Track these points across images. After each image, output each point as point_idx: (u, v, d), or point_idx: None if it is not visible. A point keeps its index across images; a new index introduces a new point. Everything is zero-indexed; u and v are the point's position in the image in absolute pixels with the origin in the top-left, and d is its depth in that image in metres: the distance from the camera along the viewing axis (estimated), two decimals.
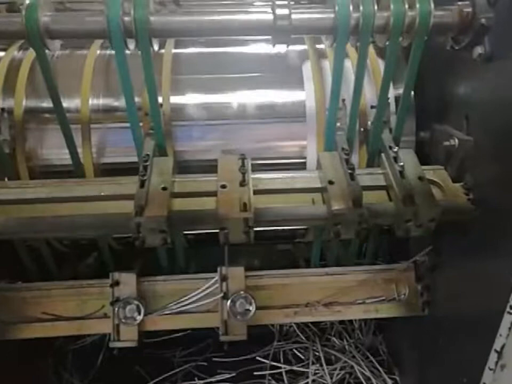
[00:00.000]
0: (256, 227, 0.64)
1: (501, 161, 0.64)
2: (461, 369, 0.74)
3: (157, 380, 1.04)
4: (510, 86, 0.59)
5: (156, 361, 1.10)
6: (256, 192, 0.67)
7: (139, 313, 0.80)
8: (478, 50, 0.62)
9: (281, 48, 0.77)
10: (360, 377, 1.03)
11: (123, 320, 0.80)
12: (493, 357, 0.64)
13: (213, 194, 0.67)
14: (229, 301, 0.81)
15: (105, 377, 1.05)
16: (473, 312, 0.72)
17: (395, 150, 0.69)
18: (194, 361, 1.10)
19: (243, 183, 0.66)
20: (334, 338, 1.14)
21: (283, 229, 0.95)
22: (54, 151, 0.82)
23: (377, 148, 0.74)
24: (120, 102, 0.80)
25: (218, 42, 0.89)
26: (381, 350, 1.12)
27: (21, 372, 0.95)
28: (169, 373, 1.06)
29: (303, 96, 0.83)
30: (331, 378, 1.03)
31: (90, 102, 0.82)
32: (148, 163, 0.67)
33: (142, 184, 0.64)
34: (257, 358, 1.10)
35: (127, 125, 0.76)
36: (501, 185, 0.63)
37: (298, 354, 1.11)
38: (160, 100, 0.77)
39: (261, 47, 0.88)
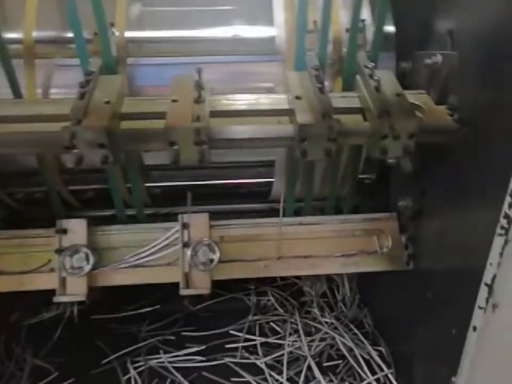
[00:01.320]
0: (211, 146, 0.56)
1: (487, 75, 0.57)
2: (450, 320, 0.65)
3: (118, 354, 0.94)
4: None
5: (119, 336, 1.00)
6: (214, 113, 0.59)
7: (88, 263, 0.71)
8: None
9: None
10: (342, 349, 0.94)
11: (69, 271, 0.71)
12: (483, 292, 0.56)
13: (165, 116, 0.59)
14: (190, 250, 0.72)
15: (61, 352, 0.95)
16: (460, 252, 0.64)
17: (370, 66, 0.62)
18: (162, 335, 1.00)
19: (199, 100, 0.58)
20: (315, 310, 1.04)
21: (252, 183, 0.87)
22: None
23: (353, 72, 0.67)
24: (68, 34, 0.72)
25: None
26: (365, 323, 1.03)
27: None
28: (133, 347, 0.96)
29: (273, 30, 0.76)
30: (310, 350, 0.93)
31: (35, 33, 0.74)
32: (91, 77, 0.59)
33: (81, 96, 0.56)
34: (231, 331, 1.00)
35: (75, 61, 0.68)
36: (488, 102, 0.56)
37: (276, 327, 1.02)
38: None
39: None
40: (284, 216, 0.79)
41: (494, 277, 0.55)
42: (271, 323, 1.02)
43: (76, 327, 1.04)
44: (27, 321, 1.03)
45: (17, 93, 0.69)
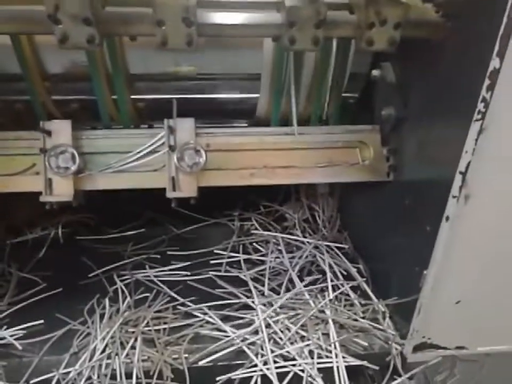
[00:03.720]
0: (200, 34, 0.55)
1: None
2: (425, 218, 0.69)
3: (105, 269, 0.96)
4: None
5: (105, 255, 1.01)
6: (201, 5, 0.58)
7: (74, 163, 0.71)
8: None
9: None
10: (322, 265, 0.98)
11: (55, 170, 0.71)
12: (457, 181, 0.59)
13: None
14: (176, 153, 0.73)
15: (48, 268, 0.96)
16: (439, 153, 0.66)
17: None
18: (147, 254, 1.02)
19: None
20: (297, 232, 1.08)
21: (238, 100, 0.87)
22: None
23: None
24: None
25: None
26: (345, 244, 1.07)
27: None
28: (118, 263, 0.98)
29: None
30: (291, 265, 0.97)
31: None
32: None
33: None
34: (215, 251, 1.03)
35: None
36: None
37: (259, 247, 1.05)
38: None
39: None
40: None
41: (468, 164, 0.58)
42: (254, 243, 1.06)
43: (61, 247, 1.06)
44: (9, 240, 1.04)
45: None
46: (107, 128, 0.82)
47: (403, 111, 0.75)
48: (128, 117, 0.83)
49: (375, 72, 0.81)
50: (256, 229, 1.11)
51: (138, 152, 0.75)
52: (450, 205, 0.61)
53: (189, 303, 0.85)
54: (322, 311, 0.83)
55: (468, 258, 0.66)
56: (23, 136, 0.74)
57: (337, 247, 1.03)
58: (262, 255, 1.01)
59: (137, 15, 0.55)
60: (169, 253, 1.03)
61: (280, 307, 0.84)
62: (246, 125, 0.94)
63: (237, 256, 1.00)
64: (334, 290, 0.90)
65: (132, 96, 0.83)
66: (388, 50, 0.59)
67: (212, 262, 0.99)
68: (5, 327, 0.78)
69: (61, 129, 0.72)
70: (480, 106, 0.53)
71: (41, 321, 0.78)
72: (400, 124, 0.77)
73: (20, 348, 0.73)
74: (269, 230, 1.10)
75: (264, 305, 0.84)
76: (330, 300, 0.85)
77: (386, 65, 0.79)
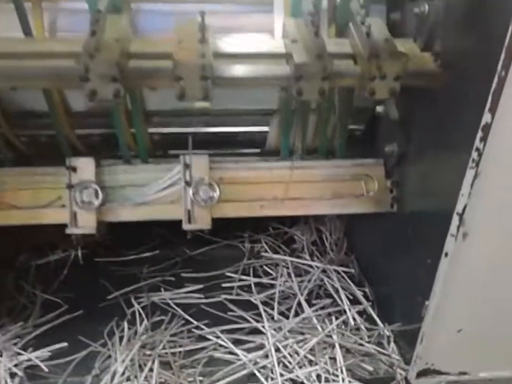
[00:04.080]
0: (215, 83, 0.61)
1: (470, 23, 0.62)
2: (426, 251, 0.73)
3: (122, 291, 1.01)
4: None
5: (122, 277, 1.07)
6: (216, 55, 0.64)
7: (97, 198, 0.77)
8: None
9: None
10: (330, 289, 1.02)
11: (80, 205, 0.76)
12: (455, 221, 0.63)
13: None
14: (191, 188, 0.78)
15: (69, 289, 1.02)
16: (438, 195, 0.70)
17: (361, 13, 0.67)
18: (162, 276, 1.07)
19: (203, 40, 0.62)
20: (305, 256, 1.12)
21: (249, 132, 0.92)
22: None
23: (346, 20, 0.71)
24: None
25: None
26: (352, 268, 1.11)
27: None
28: (135, 286, 1.03)
29: None
30: (300, 289, 1.01)
31: None
32: (99, 16, 0.63)
33: (92, 33, 0.60)
34: (227, 273, 1.08)
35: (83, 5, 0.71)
36: (469, 50, 0.61)
37: (268, 270, 1.09)
38: None
39: None
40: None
41: (465, 206, 0.62)
42: (264, 266, 1.10)
43: (81, 269, 1.12)
44: (34, 262, 1.10)
45: (27, 33, 0.72)
46: (126, 158, 0.87)
47: (405, 147, 0.79)
48: (145, 148, 0.88)
49: (379, 108, 0.85)
50: (265, 251, 1.16)
51: (156, 186, 0.80)
52: (448, 242, 0.65)
53: (202, 326, 0.90)
54: (330, 336, 0.87)
55: (468, 291, 0.70)
56: (50, 172, 0.80)
57: (344, 271, 1.07)
58: (272, 279, 1.05)
59: (158, 70, 0.61)
60: (183, 275, 1.08)
61: (289, 331, 0.88)
62: (258, 151, 0.98)
63: (247, 280, 1.05)
64: (341, 314, 0.94)
65: (149, 130, 0.89)
66: (388, 99, 0.63)
67: (224, 285, 1.03)
68: (31, 349, 0.83)
69: (85, 166, 0.78)
70: (474, 155, 0.57)
71: (65, 343, 0.83)
72: (403, 159, 0.82)
73: (46, 369, 0.79)
74: (278, 253, 1.14)
75: (274, 329, 0.88)
76: (337, 325, 0.89)
77: (390, 102, 0.83)
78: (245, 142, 0.96)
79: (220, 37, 0.68)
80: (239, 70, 0.62)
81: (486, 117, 0.54)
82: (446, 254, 0.66)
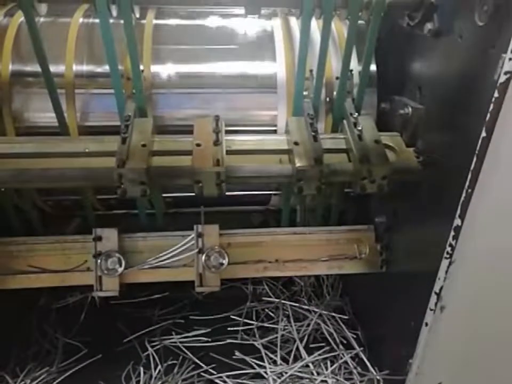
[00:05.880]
0: (228, 182, 0.71)
1: (447, 127, 0.72)
2: (410, 314, 0.83)
3: (137, 334, 1.11)
4: (455, 59, 0.67)
5: (136, 319, 1.16)
6: (229, 152, 0.74)
7: (120, 265, 0.87)
8: (428, 26, 0.70)
9: (254, 22, 0.85)
10: (325, 333, 1.12)
11: (105, 272, 0.86)
12: (433, 299, 0.74)
13: (189, 153, 0.73)
14: (204, 255, 0.88)
15: (88, 333, 1.11)
16: (420, 263, 0.80)
17: (355, 116, 0.77)
18: (172, 319, 1.17)
19: (217, 143, 0.72)
20: (303, 300, 1.23)
21: (254, 194, 1.02)
22: (40, 113, 0.87)
23: (341, 116, 0.82)
24: (103, 68, 0.85)
25: (196, 15, 0.94)
26: (346, 311, 1.21)
27: (5, 327, 1.01)
28: (149, 329, 1.13)
29: (275, 67, 0.89)
30: (298, 333, 1.11)
31: (74, 67, 0.86)
32: (129, 122, 0.73)
33: (123, 141, 0.70)
34: (232, 316, 1.18)
35: (110, 90, 0.81)
36: (446, 149, 0.72)
37: (270, 313, 1.20)
38: (141, 67, 0.82)
39: (236, 21, 0.94)
40: (280, 226, 0.96)
41: (441, 288, 0.72)
42: (266, 309, 1.21)
43: (98, 311, 1.21)
44: (54, 305, 1.20)
45: (61, 120, 0.82)
46: (144, 221, 0.97)
47: (392, 220, 0.90)
48: (161, 216, 0.98)
49: None
50: (267, 293, 1.26)
51: (171, 252, 0.90)
52: (428, 315, 0.75)
53: (211, 370, 1.00)
54: (325, 381, 0.97)
55: (447, 353, 0.80)
56: (78, 239, 0.89)
57: (339, 317, 1.18)
58: (273, 323, 1.16)
59: (181, 172, 0.71)
60: (191, 317, 1.18)
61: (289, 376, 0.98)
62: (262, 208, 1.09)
63: (251, 324, 1.15)
64: (336, 359, 1.05)
65: (163, 195, 0.99)
66: (377, 193, 0.74)
67: (229, 329, 1.13)
68: None
69: (109, 236, 0.87)
70: (448, 249, 0.68)
71: None
72: (391, 228, 0.92)
73: None
74: (279, 296, 1.24)
75: (276, 375, 0.98)
76: (332, 371, 0.99)
77: None
78: (249, 202, 1.06)
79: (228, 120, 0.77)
80: (248, 170, 0.72)
81: (457, 221, 0.65)
82: (426, 324, 0.77)
